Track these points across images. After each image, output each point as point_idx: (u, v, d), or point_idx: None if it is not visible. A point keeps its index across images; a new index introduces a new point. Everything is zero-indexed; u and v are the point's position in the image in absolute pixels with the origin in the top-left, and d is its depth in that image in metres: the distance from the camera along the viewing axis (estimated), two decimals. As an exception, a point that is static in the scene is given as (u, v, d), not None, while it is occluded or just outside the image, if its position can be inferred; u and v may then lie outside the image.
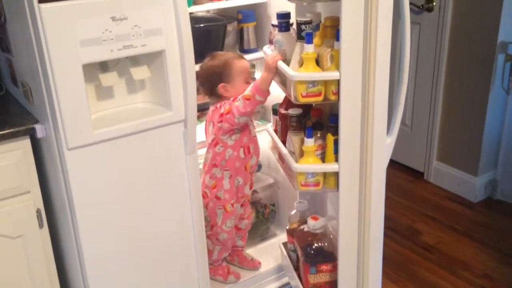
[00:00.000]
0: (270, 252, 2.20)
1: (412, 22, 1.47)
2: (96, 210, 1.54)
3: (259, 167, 2.24)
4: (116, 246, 1.60)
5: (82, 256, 1.56)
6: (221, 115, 1.81)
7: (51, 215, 1.71)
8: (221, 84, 1.81)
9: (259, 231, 2.29)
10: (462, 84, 2.85)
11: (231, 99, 1.79)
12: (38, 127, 1.53)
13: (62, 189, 1.52)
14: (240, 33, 2.07)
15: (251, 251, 2.22)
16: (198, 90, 1.81)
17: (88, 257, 1.56)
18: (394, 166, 3.17)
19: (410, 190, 3.07)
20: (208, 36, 1.96)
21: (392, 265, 2.38)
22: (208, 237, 1.94)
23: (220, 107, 1.82)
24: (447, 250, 2.52)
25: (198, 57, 1.93)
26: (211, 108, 1.88)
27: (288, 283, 2.08)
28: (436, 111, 3.00)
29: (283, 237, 2.14)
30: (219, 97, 1.84)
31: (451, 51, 2.86)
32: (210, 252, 1.95)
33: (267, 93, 1.70)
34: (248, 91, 1.72)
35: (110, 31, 1.41)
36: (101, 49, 1.41)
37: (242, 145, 1.86)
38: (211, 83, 1.83)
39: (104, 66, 1.53)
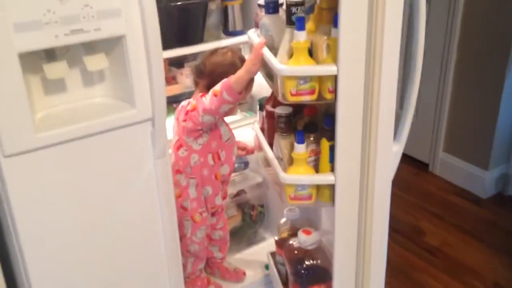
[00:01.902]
0: (258, 259, 1.97)
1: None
2: (43, 231, 1.28)
3: (246, 164, 1.99)
4: (69, 275, 1.36)
5: (30, 283, 1.32)
6: (187, 112, 1.55)
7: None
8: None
9: (245, 235, 2.06)
10: (475, 67, 2.57)
11: (200, 94, 1.53)
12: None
13: (2, 205, 1.27)
14: (224, 13, 1.80)
15: (237, 258, 1.98)
16: (197, 83, 1.61)
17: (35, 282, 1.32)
18: None
19: (414, 184, 2.82)
20: (186, 15, 1.69)
21: (393, 271, 2.15)
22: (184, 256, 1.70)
23: (189, 103, 1.55)
24: (453, 254, 2.30)
25: (176, 41, 1.68)
26: (182, 103, 1.62)
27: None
28: (445, 97, 2.73)
29: (272, 241, 1.90)
30: None
31: (463, 32, 2.58)
32: (183, 266, 1.72)
33: (238, 95, 1.42)
34: (217, 86, 1.46)
35: (54, 12, 1.14)
36: (42, 34, 1.14)
37: (210, 151, 1.60)
38: (211, 79, 1.55)
39: (50, 55, 1.25)
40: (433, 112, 2.81)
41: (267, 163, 1.58)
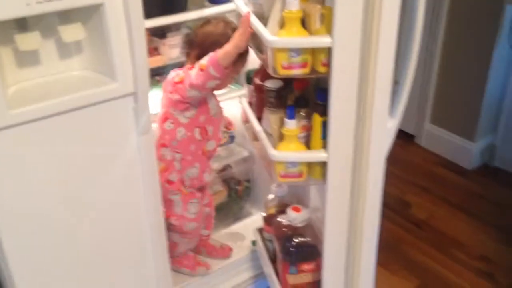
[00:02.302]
0: (245, 235, 1.93)
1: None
2: (21, 210, 1.21)
3: (232, 138, 1.92)
4: (50, 253, 1.29)
5: (8, 267, 1.25)
6: (174, 83, 1.47)
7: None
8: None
9: (231, 210, 2.01)
10: (463, 36, 2.52)
11: (189, 66, 1.45)
12: None
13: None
14: (209, -22, 1.69)
15: (223, 234, 1.94)
16: (188, 54, 1.53)
17: (15, 270, 1.25)
18: None
19: (400, 156, 2.79)
20: (167, -19, 1.58)
21: (380, 244, 2.12)
22: (171, 230, 1.64)
23: (177, 74, 1.48)
24: (439, 226, 2.29)
25: (158, 10, 1.58)
26: (171, 73, 1.54)
27: (262, 272, 1.82)
28: (432, 67, 2.68)
29: (259, 217, 1.86)
30: None
31: (452, 1, 2.51)
32: (173, 245, 1.66)
33: (225, 70, 1.36)
34: (204, 60, 1.38)
35: (25, -23, 1.04)
36: (12, 2, 1.05)
37: (197, 125, 1.52)
38: (202, 50, 1.46)
39: (22, 25, 1.16)
40: (419, 83, 2.76)
41: (254, 136, 1.52)
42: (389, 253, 2.12)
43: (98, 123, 1.26)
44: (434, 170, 2.69)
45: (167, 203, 1.59)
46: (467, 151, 2.65)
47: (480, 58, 2.48)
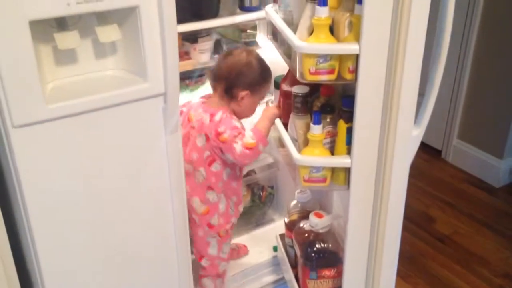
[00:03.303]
0: (266, 240, 1.95)
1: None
2: (52, 202, 1.26)
3: (258, 144, 1.94)
4: (76, 244, 1.34)
5: (38, 258, 1.30)
6: (217, 134, 1.48)
7: (6, 200, 1.43)
8: (246, 92, 1.50)
9: (254, 216, 2.03)
10: (494, 54, 2.50)
11: (224, 113, 1.50)
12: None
13: (11, 175, 1.24)
14: (241, -14, 1.73)
15: (244, 238, 1.96)
16: (214, 87, 1.55)
17: (44, 260, 1.29)
18: None
19: (426, 171, 2.78)
20: (201, -12, 1.63)
21: (402, 257, 2.09)
22: (202, 277, 1.67)
23: (220, 121, 1.49)
24: (463, 242, 2.26)
25: (190, 15, 1.63)
26: (201, 107, 1.54)
27: (284, 277, 1.83)
28: (462, 82, 2.66)
29: (281, 223, 1.88)
30: (228, 101, 1.52)
31: (484, 17, 2.50)
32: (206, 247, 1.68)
33: (267, 141, 1.49)
34: (250, 138, 1.44)
35: (66, -21, 1.09)
36: (53, 1, 1.10)
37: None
38: (228, 82, 1.49)
39: (62, 24, 1.21)
40: (449, 98, 2.75)
41: (280, 143, 1.55)
42: (411, 266, 2.11)
43: (129, 122, 1.30)
44: (460, 187, 2.66)
45: (203, 244, 1.61)
46: (495, 169, 2.61)
47: (509, 73, 2.45)
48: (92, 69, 1.31)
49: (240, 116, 1.55)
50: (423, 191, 2.60)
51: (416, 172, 2.72)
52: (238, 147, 1.44)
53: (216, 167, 1.52)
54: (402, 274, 2.06)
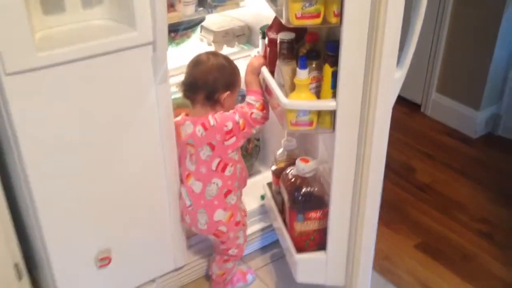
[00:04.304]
0: (253, 191, 2.00)
1: None
2: (45, 147, 1.29)
3: (243, 97, 1.98)
4: (71, 186, 1.38)
5: (33, 202, 1.34)
6: (228, 132, 1.49)
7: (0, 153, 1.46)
8: (227, 92, 1.51)
9: (241, 168, 2.07)
10: (472, 5, 2.55)
11: (233, 112, 1.52)
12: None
13: (4, 122, 1.27)
14: None
15: (232, 190, 2.01)
16: (193, 99, 1.53)
17: (39, 202, 1.34)
18: None
19: (406, 124, 2.85)
20: None
21: (384, 205, 2.18)
22: (226, 261, 1.72)
23: (219, 124, 1.48)
24: (443, 190, 2.35)
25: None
26: (187, 120, 1.53)
27: (271, 225, 1.90)
28: (440, 36, 2.71)
29: (267, 174, 1.93)
30: (212, 107, 1.52)
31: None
32: (228, 272, 1.75)
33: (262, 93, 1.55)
34: (254, 101, 1.51)
35: None
36: None
37: (240, 152, 1.60)
38: (207, 90, 1.49)
39: (48, -28, 1.22)
40: (427, 53, 2.80)
41: (267, 90, 1.58)
42: (393, 213, 2.20)
43: (119, 70, 1.33)
44: (439, 138, 2.74)
45: (233, 241, 1.65)
46: (472, 120, 2.70)
47: (487, 29, 2.51)
48: (79, 18, 1.33)
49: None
50: (403, 143, 2.68)
51: (396, 125, 2.77)
52: (257, 115, 1.50)
53: (230, 170, 1.54)
54: (384, 220, 2.14)
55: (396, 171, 2.46)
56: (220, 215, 1.57)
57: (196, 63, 1.52)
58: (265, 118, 1.54)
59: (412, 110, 2.97)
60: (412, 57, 2.78)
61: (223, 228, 1.60)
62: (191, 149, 1.53)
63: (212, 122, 1.48)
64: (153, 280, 1.73)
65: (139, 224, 1.57)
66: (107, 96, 1.34)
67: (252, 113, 1.50)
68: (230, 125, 1.48)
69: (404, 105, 2.98)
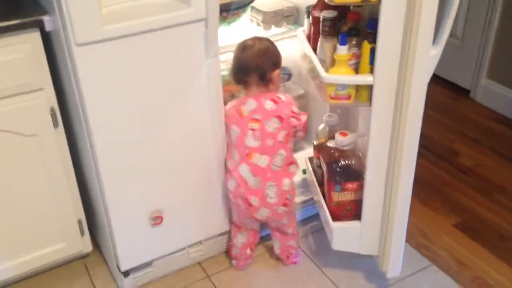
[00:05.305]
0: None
1: None
2: (108, 111, 1.45)
3: (289, 75, 2.08)
4: (130, 150, 1.53)
5: (97, 162, 1.50)
6: (294, 112, 1.66)
7: (68, 117, 1.63)
8: (277, 71, 1.64)
9: (286, 143, 2.18)
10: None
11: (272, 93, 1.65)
12: (46, 18, 1.41)
13: (73, 88, 1.43)
14: None
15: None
16: (247, 82, 1.65)
17: (102, 163, 1.50)
18: (436, 81, 2.83)
19: (452, 108, 2.86)
20: None
21: (423, 185, 2.26)
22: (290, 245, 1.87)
23: (289, 102, 1.66)
24: (485, 174, 2.37)
25: None
26: (250, 98, 1.64)
27: (312, 198, 2.00)
28: (493, 22, 2.70)
29: (310, 151, 2.03)
30: (266, 86, 1.65)
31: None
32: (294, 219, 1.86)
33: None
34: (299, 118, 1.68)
35: None
36: None
37: None
38: (259, 71, 1.62)
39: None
40: (479, 38, 2.79)
41: (311, 71, 1.67)
42: (432, 193, 2.24)
43: (175, 44, 1.46)
44: (486, 124, 2.74)
45: (294, 217, 1.83)
46: (521, 106, 2.68)
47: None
48: (140, -4, 1.46)
49: (276, 91, 1.70)
50: (448, 127, 2.70)
51: (442, 109, 2.82)
52: (304, 118, 1.69)
53: (291, 142, 1.69)
54: (423, 199, 2.20)
55: (438, 154, 2.50)
56: (286, 183, 1.67)
57: (244, 48, 1.63)
58: (305, 130, 1.72)
59: (461, 96, 2.97)
60: (463, 42, 2.81)
61: (289, 196, 1.70)
62: (255, 125, 1.61)
63: (283, 98, 1.65)
64: (200, 242, 1.87)
65: (188, 188, 1.71)
66: (163, 67, 1.47)
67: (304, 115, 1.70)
68: (295, 109, 1.66)
69: (452, 90, 2.99)
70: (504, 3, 2.63)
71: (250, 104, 1.62)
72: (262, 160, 1.63)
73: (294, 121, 1.65)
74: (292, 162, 1.70)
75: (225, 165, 1.73)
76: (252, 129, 1.61)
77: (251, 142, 1.62)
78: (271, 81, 1.65)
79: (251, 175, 1.63)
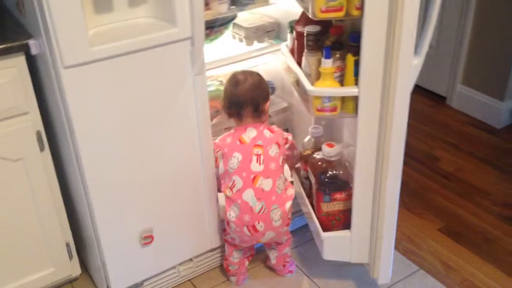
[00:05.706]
0: (283, 178, 2.13)
1: None
2: (96, 133, 1.45)
3: (273, 89, 2.11)
4: (119, 170, 1.53)
5: (85, 182, 1.50)
6: (285, 139, 1.75)
7: (54, 139, 1.62)
8: (268, 103, 1.72)
9: (271, 156, 2.20)
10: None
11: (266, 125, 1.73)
12: (32, 42, 1.41)
13: (60, 111, 1.43)
14: None
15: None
16: (240, 115, 1.69)
17: (91, 183, 1.50)
18: (414, 89, 2.89)
19: (430, 116, 2.93)
20: None
21: (408, 192, 2.31)
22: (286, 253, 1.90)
23: (280, 131, 1.75)
24: (466, 178, 2.43)
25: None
26: (249, 127, 1.69)
27: (300, 210, 2.02)
28: (466, 30, 2.78)
29: (296, 163, 2.06)
30: (260, 117, 1.71)
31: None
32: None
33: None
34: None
35: None
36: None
37: None
38: (254, 104, 1.67)
39: (99, -25, 1.37)
40: (452, 46, 2.88)
41: (296, 84, 1.70)
42: (416, 199, 2.29)
43: (161, 63, 1.47)
44: (463, 129, 2.81)
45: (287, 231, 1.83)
46: (496, 110, 2.76)
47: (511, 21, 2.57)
48: (125, 17, 1.48)
49: (267, 121, 1.78)
50: (427, 134, 2.76)
51: (421, 116, 2.89)
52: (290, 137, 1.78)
53: (286, 166, 1.79)
54: (409, 206, 2.24)
55: (420, 161, 2.55)
56: (288, 206, 1.71)
57: (237, 83, 1.67)
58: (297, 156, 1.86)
59: (438, 103, 3.04)
60: (437, 51, 2.87)
61: (290, 216, 1.75)
62: (259, 150, 1.66)
63: (275, 128, 1.74)
64: (190, 259, 1.87)
65: (178, 205, 1.71)
66: (151, 85, 1.48)
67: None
68: (285, 135, 1.76)
69: (430, 98, 3.06)
70: (476, 11, 2.71)
71: (251, 132, 1.68)
72: (266, 184, 1.65)
73: (287, 146, 1.75)
74: (291, 185, 1.77)
75: (218, 198, 1.78)
76: (257, 154, 1.65)
77: (256, 166, 1.65)
78: (263, 112, 1.71)
79: (256, 199, 1.65)
